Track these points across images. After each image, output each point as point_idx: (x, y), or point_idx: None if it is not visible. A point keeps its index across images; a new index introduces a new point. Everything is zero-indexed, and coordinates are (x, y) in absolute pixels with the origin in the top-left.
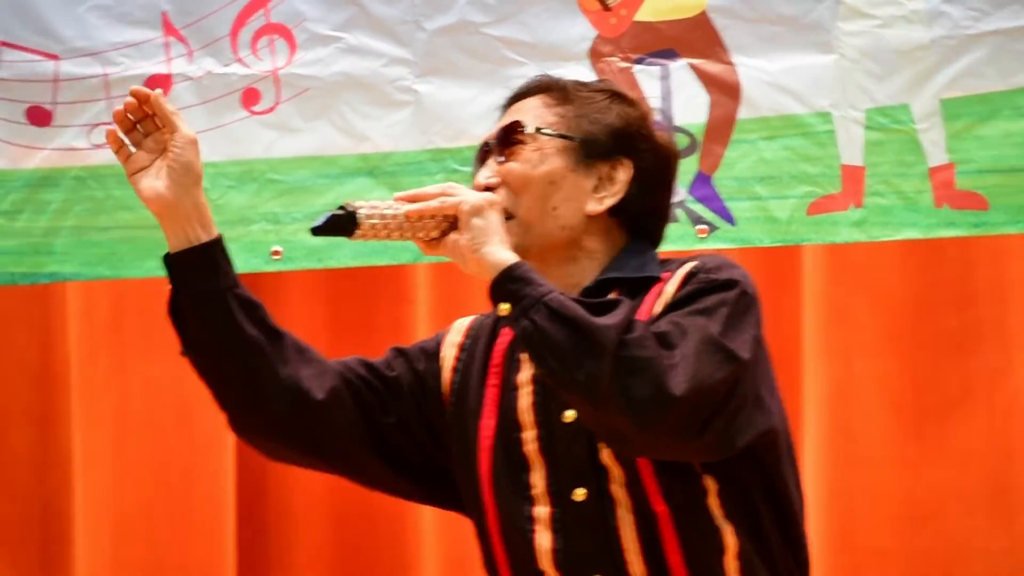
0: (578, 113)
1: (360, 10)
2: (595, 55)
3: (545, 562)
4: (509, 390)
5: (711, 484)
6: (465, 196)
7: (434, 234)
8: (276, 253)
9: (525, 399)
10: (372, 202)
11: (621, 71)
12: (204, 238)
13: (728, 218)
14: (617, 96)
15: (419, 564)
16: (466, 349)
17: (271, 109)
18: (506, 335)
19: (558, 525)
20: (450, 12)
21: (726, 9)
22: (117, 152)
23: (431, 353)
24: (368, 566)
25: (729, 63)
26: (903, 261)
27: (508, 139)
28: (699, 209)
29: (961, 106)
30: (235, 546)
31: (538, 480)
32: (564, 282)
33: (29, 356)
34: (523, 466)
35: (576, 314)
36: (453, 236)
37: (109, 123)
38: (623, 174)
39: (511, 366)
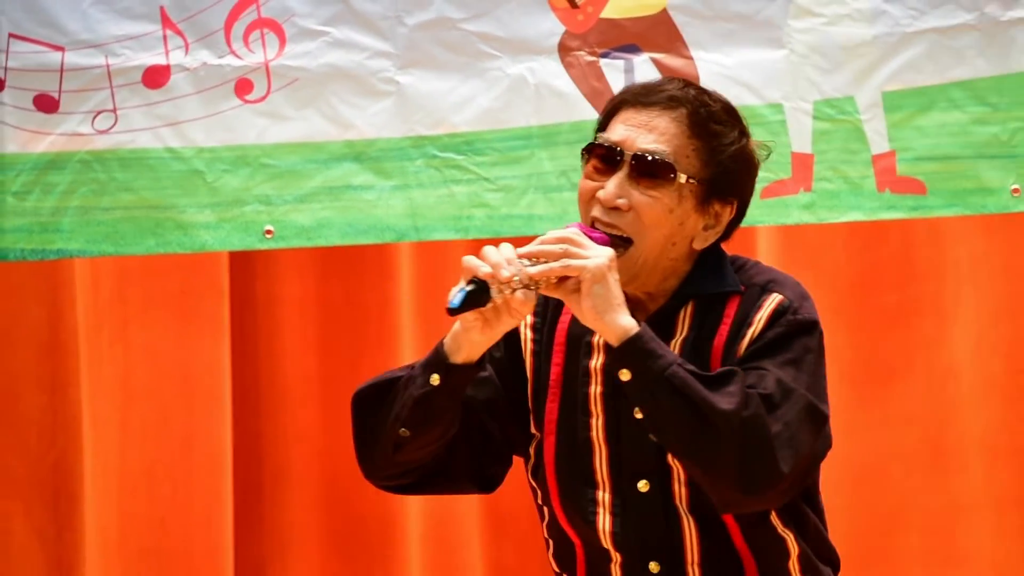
0: (710, 154)
1: (345, 6)
2: (563, 49)
3: (607, 542)
4: (578, 375)
5: None
6: (586, 262)
7: (554, 281)
8: (268, 232)
9: (596, 387)
10: (499, 261)
11: (588, 64)
12: (476, 357)
13: None
14: (743, 133)
15: (406, 519)
16: (538, 329)
17: (263, 98)
18: (568, 312)
19: (618, 510)
20: (429, 8)
21: (685, 7)
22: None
23: (511, 334)
24: (359, 523)
25: (688, 57)
26: (848, 241)
27: (652, 171)
28: None
29: (901, 98)
30: (232, 502)
31: (601, 465)
32: (646, 292)
33: (39, 327)
34: (587, 450)
35: (698, 395)
36: (576, 298)
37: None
38: (728, 213)
39: (579, 349)
